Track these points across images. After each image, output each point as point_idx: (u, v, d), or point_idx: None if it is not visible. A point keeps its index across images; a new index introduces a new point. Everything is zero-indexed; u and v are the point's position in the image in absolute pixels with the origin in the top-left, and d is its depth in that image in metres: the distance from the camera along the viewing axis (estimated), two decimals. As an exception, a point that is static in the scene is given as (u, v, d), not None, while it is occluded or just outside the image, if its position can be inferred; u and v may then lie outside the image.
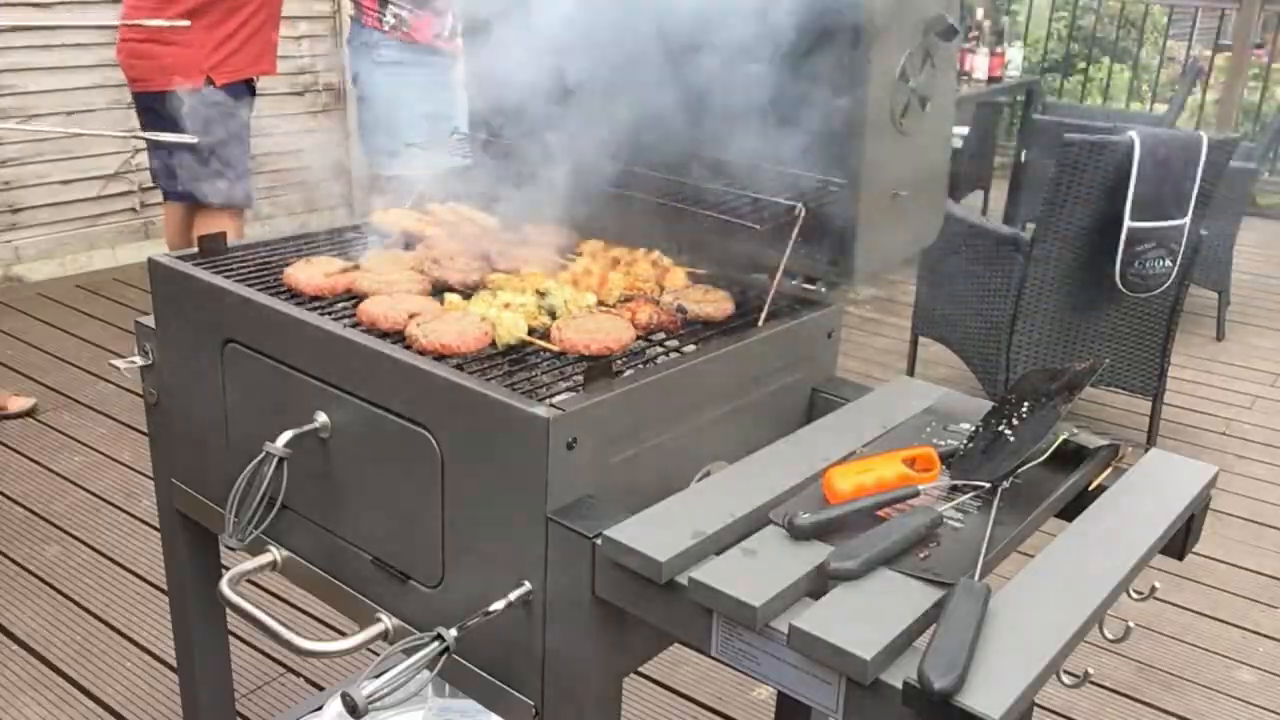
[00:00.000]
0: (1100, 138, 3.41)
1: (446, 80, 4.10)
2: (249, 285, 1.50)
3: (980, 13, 6.86)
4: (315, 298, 1.48)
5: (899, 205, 1.53)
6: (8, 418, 3.66)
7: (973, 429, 1.31)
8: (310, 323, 1.39)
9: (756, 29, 1.44)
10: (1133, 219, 3.34)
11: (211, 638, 1.88)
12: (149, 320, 1.64)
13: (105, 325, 4.56)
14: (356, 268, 1.55)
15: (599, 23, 1.54)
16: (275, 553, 1.50)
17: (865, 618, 1.00)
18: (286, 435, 1.36)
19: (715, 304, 1.51)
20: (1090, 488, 1.27)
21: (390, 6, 4.08)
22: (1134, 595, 1.20)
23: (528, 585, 1.20)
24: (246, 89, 3.63)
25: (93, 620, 2.66)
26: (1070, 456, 1.29)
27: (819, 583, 1.07)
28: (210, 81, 3.46)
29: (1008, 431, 1.26)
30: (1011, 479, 1.22)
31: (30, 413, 3.71)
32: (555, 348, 1.37)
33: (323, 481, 1.41)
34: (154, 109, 3.54)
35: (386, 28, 4.16)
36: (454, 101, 4.17)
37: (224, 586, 1.36)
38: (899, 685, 0.94)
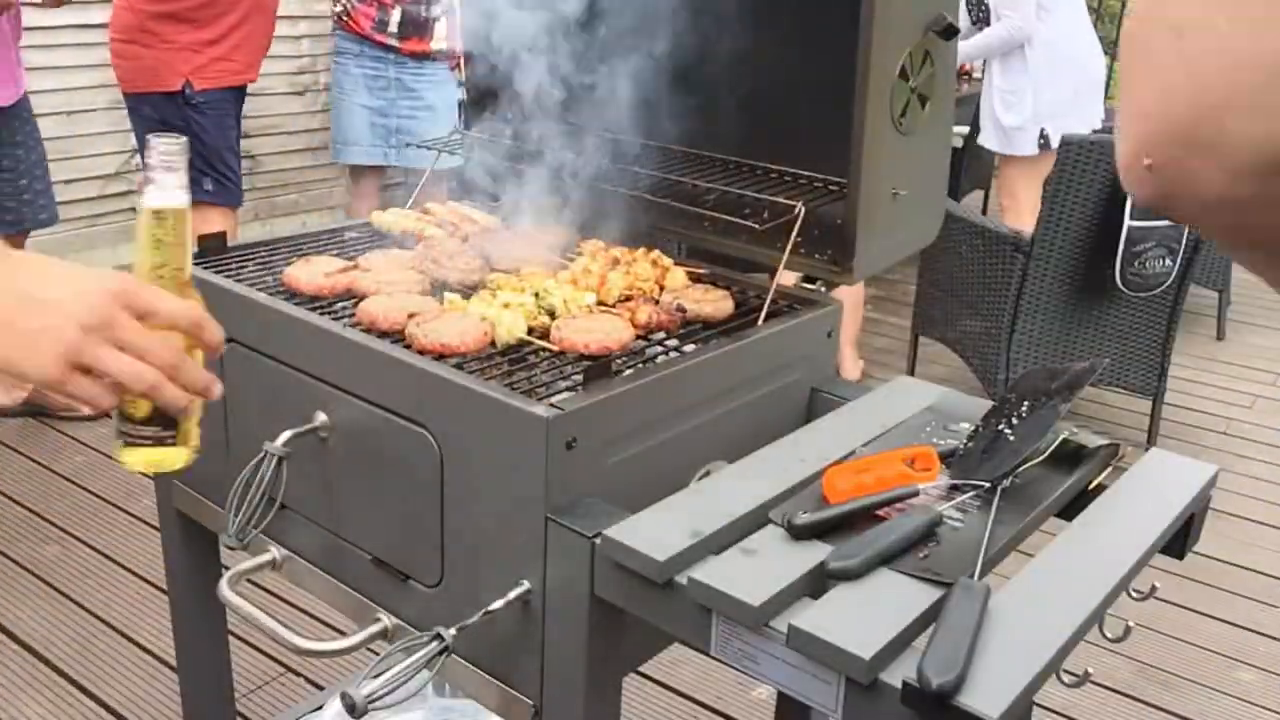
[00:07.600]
0: (1100, 137, 3.41)
1: (387, 73, 4.16)
2: (248, 285, 1.50)
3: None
4: (315, 297, 1.48)
5: (899, 205, 1.53)
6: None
7: (972, 429, 1.31)
8: (310, 322, 1.39)
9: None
10: (1133, 218, 3.34)
11: (211, 637, 1.88)
12: (149, 320, 1.64)
13: (105, 325, 4.55)
14: (356, 267, 1.54)
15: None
16: (275, 552, 1.50)
17: (864, 617, 0.99)
18: (286, 435, 1.36)
19: (714, 303, 1.51)
20: (1090, 487, 1.27)
21: None
22: (1134, 595, 1.20)
23: (527, 584, 1.20)
24: (232, 94, 3.56)
25: (93, 620, 2.66)
26: (1070, 456, 1.29)
27: (818, 582, 1.06)
28: (189, 86, 3.42)
29: (1007, 431, 1.26)
30: (1011, 478, 1.22)
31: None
32: (554, 347, 1.37)
33: (322, 481, 1.41)
34: (137, 110, 3.52)
35: (336, 18, 4.23)
36: (391, 97, 4.26)
37: (223, 587, 1.36)
38: (898, 685, 0.93)
